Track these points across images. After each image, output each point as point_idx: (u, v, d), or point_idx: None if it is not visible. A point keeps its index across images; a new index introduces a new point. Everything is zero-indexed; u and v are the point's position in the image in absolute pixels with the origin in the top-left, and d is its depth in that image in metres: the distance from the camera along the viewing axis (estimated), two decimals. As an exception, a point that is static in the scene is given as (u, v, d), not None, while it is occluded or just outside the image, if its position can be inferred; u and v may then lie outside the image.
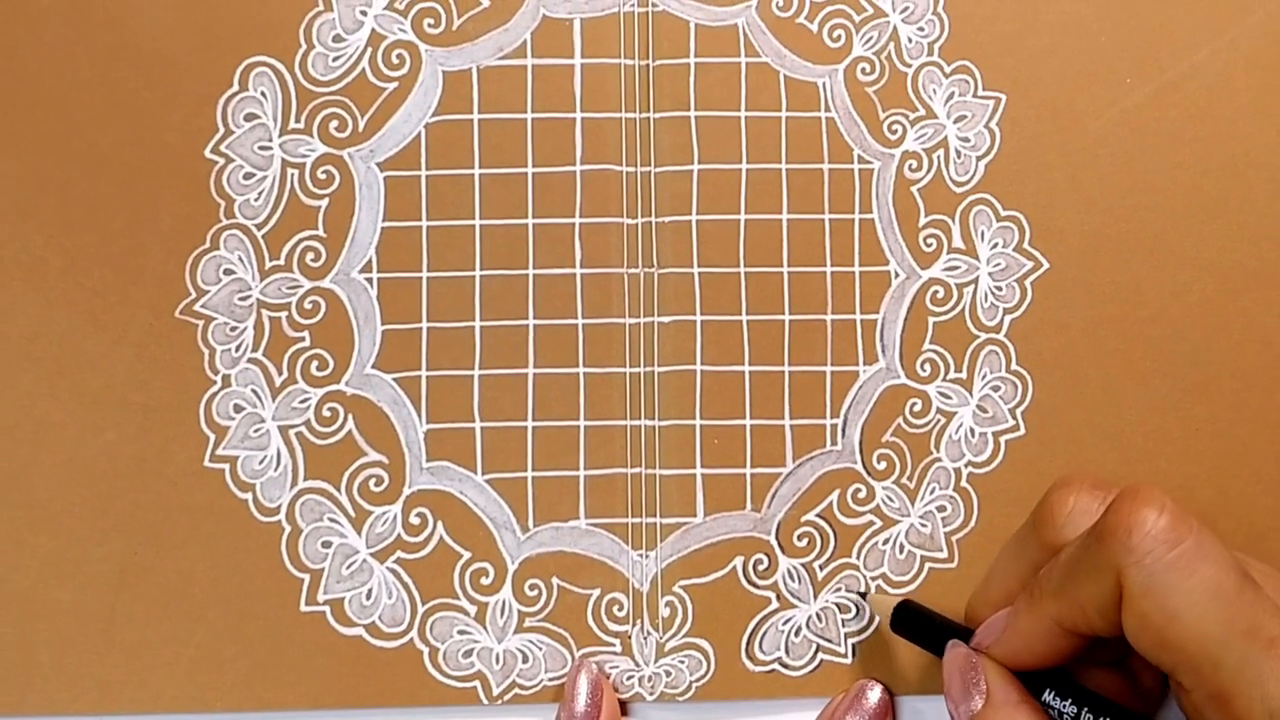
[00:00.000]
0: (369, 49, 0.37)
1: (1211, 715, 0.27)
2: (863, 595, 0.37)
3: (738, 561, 0.37)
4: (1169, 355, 0.37)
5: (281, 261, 0.37)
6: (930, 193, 0.37)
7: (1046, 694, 0.31)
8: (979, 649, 0.32)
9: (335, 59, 0.37)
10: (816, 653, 0.36)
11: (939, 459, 0.37)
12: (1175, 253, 0.37)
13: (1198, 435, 0.37)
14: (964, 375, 0.37)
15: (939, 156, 0.37)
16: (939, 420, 0.37)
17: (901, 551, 0.37)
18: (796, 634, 0.36)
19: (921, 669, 0.36)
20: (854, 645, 0.36)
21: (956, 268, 0.37)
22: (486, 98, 0.37)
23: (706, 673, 0.36)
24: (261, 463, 0.36)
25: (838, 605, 0.36)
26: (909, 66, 0.37)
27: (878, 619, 0.36)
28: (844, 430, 0.37)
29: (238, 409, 0.36)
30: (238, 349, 0.36)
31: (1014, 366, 0.37)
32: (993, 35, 0.37)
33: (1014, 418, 0.37)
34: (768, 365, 0.37)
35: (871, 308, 0.37)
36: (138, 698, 0.36)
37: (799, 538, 0.37)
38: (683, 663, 0.36)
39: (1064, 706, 0.30)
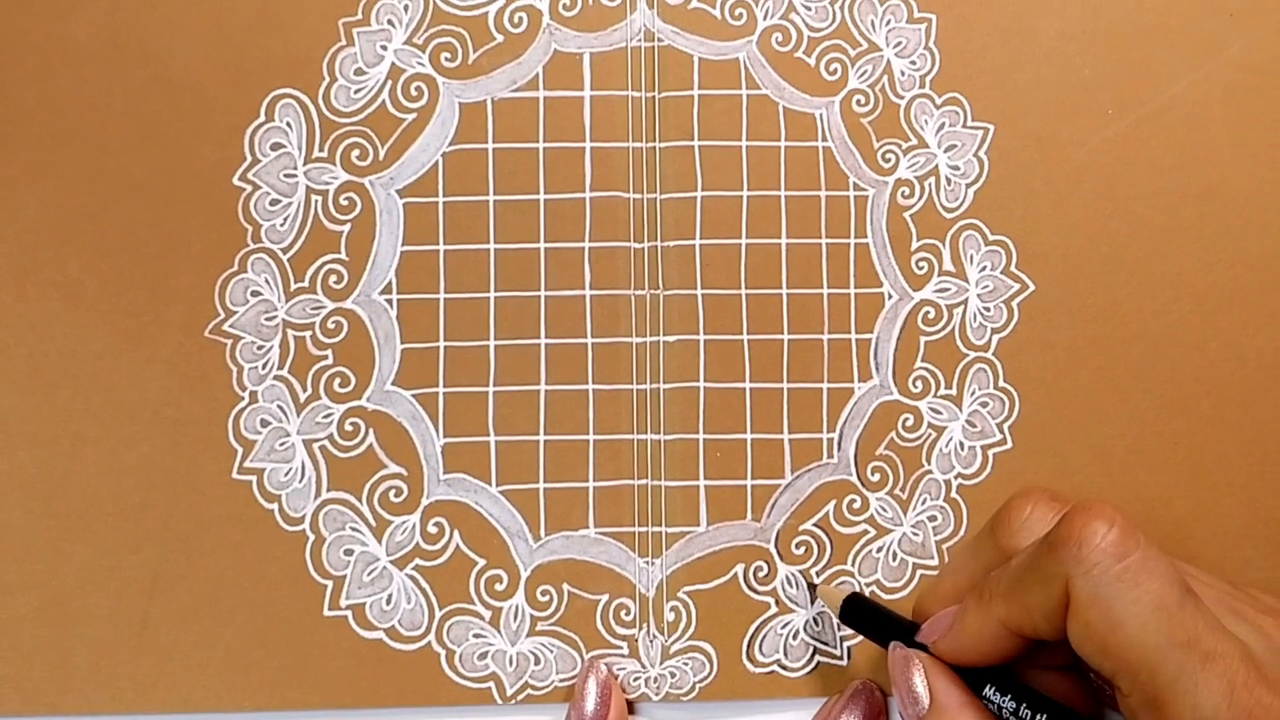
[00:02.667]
0: (389, 82, 0.38)
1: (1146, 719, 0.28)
2: (813, 587, 0.37)
3: (739, 568, 0.37)
4: (1148, 373, 0.37)
5: (306, 284, 0.37)
6: (922, 218, 0.38)
7: (987, 689, 0.31)
8: (924, 643, 0.32)
9: (357, 91, 0.38)
10: (813, 655, 0.37)
11: (930, 471, 0.38)
12: (1155, 275, 0.38)
13: (1175, 448, 0.37)
14: (954, 392, 0.38)
15: (930, 184, 0.38)
16: (930, 434, 0.38)
17: (894, 559, 0.37)
18: (795, 637, 0.37)
19: (913, 670, 0.37)
20: (849, 648, 0.37)
21: (947, 289, 0.38)
22: (500, 128, 0.38)
23: (709, 674, 0.37)
24: (287, 475, 0.37)
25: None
26: (902, 98, 0.38)
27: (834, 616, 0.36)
28: (840, 444, 0.38)
29: (264, 424, 0.37)
30: (264, 366, 0.37)
31: (1001, 383, 0.38)
32: (981, 69, 0.38)
33: (1001, 432, 0.38)
34: (767, 382, 0.37)
35: (866, 327, 0.38)
36: (170, 698, 0.36)
37: (797, 546, 0.37)
38: (687, 664, 0.37)
39: (1004, 701, 0.31)
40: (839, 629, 0.37)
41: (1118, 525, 0.28)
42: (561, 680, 0.37)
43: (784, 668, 0.37)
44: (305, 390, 0.37)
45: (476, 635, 0.37)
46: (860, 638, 0.37)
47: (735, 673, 0.37)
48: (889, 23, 0.38)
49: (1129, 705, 0.28)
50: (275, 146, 0.38)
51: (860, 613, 0.35)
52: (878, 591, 0.37)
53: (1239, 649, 0.27)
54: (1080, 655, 0.29)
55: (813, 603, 0.37)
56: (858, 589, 0.37)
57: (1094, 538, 0.28)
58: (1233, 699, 0.26)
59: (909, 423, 0.38)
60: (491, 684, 0.37)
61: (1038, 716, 0.30)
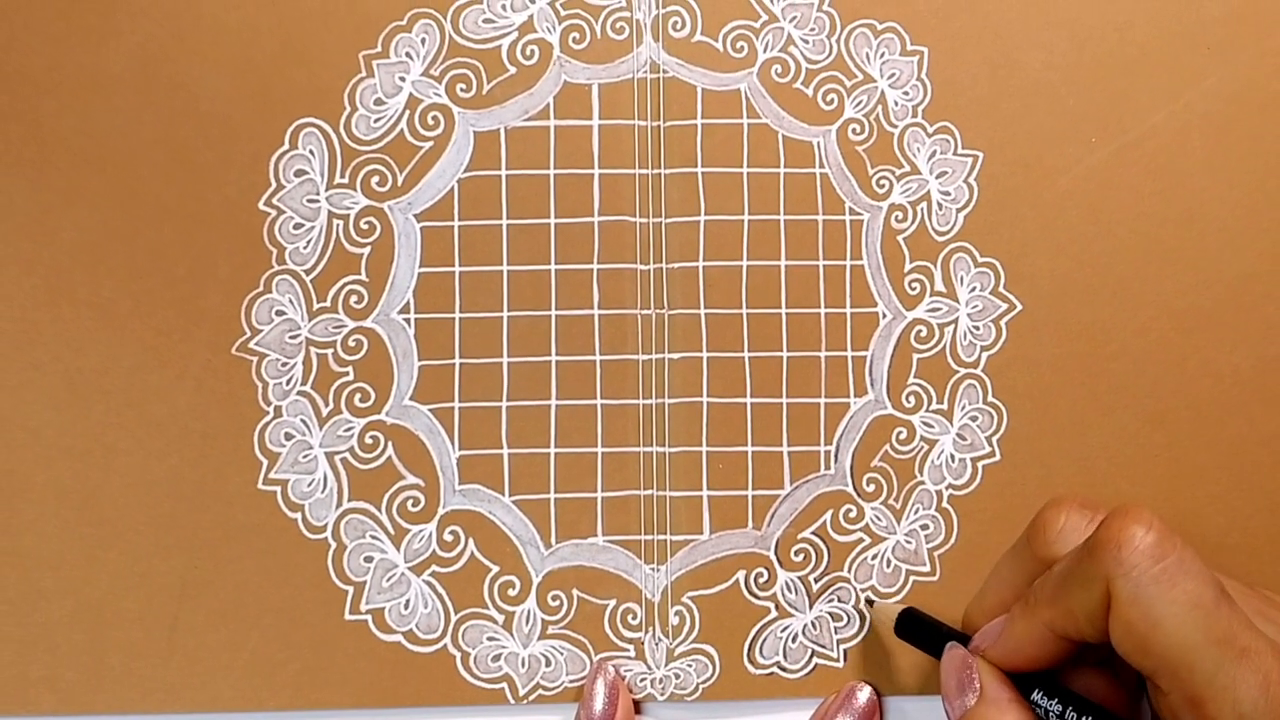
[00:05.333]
0: (407, 111, 0.38)
1: (1186, 717, 0.28)
2: (870, 604, 0.37)
3: (740, 575, 0.38)
4: (1131, 388, 0.38)
5: (328, 303, 0.38)
6: (914, 241, 0.39)
7: (1035, 694, 0.31)
8: (976, 652, 0.33)
9: (376, 120, 0.38)
10: (811, 657, 0.38)
11: (922, 482, 0.38)
12: (1136, 295, 0.38)
13: (1157, 460, 0.38)
14: (945, 406, 0.38)
15: (922, 209, 0.39)
16: (922, 447, 0.38)
17: (888, 566, 0.38)
18: (793, 640, 0.38)
19: (906, 672, 0.37)
20: (845, 651, 0.38)
21: (938, 309, 0.39)
22: (513, 155, 0.38)
23: (712, 675, 0.37)
24: (309, 485, 0.38)
25: (831, 614, 0.38)
26: (895, 127, 0.39)
27: (866, 627, 0.37)
28: (836, 456, 0.38)
29: (288, 437, 0.38)
30: (288, 382, 0.38)
31: (990, 398, 0.38)
32: (971, 99, 0.39)
33: (991, 445, 0.38)
34: (767, 397, 0.38)
35: (861, 345, 0.38)
36: (198, 698, 0.37)
37: (796, 553, 0.38)
38: (690, 666, 0.38)
39: (1051, 705, 0.31)
40: (836, 633, 0.38)
41: (1155, 528, 0.29)
42: (571, 681, 0.38)
43: (783, 669, 0.38)
44: (327, 405, 0.38)
45: (490, 638, 0.38)
46: (856, 640, 0.37)
47: (737, 674, 0.38)
48: (883, 55, 0.39)
49: (1169, 704, 0.29)
50: (299, 173, 0.38)
51: (914, 626, 0.36)
52: (873, 596, 0.38)
53: (1271, 646, 0.28)
54: (1122, 654, 0.29)
55: (868, 614, 0.38)
56: (867, 597, 0.38)
57: (1133, 540, 0.28)
58: (1268, 694, 0.27)
59: (902, 436, 0.38)
60: (505, 685, 0.37)
61: (1083, 718, 0.31)
